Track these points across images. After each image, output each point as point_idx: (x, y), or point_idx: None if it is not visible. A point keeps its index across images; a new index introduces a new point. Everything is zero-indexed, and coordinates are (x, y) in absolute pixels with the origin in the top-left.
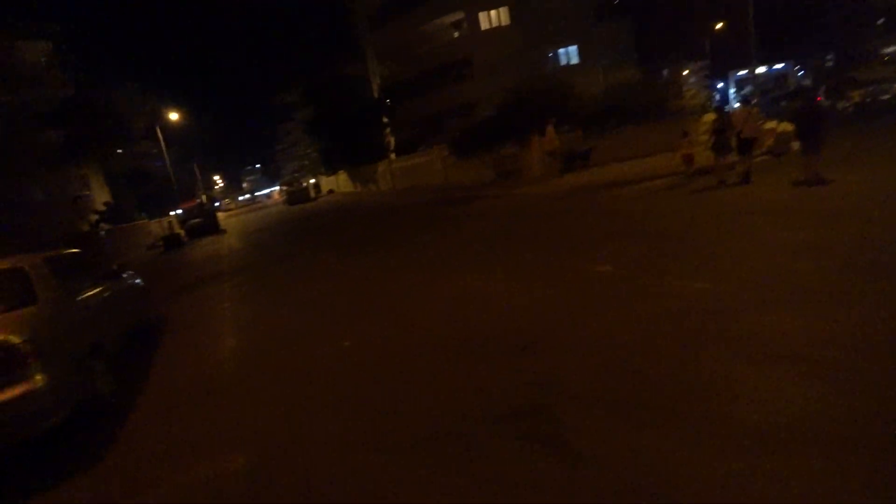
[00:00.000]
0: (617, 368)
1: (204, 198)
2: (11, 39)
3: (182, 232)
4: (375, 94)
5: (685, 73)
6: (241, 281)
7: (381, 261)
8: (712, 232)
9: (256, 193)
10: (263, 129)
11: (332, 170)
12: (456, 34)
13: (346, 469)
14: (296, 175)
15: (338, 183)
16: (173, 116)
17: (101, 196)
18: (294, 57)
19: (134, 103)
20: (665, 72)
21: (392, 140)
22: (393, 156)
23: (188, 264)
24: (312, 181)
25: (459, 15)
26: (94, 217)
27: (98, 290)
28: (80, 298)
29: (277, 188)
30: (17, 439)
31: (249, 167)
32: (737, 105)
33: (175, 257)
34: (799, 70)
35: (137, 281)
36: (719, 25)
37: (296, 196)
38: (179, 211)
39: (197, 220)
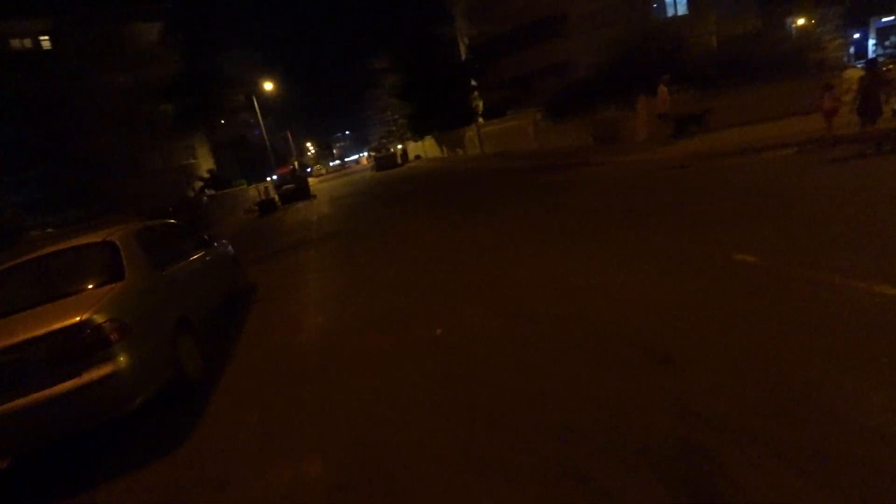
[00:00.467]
0: (787, 399)
1: (296, 164)
2: (130, 20)
3: (276, 197)
4: (463, 57)
5: (812, 21)
6: (330, 250)
7: (474, 233)
8: (884, 216)
9: (346, 159)
10: (353, 97)
11: (419, 135)
12: None
13: (447, 495)
14: (383, 141)
15: (424, 149)
16: (268, 87)
17: (206, 164)
18: (384, 22)
19: (235, 75)
20: (789, 21)
21: (480, 103)
22: (481, 120)
23: (280, 229)
24: (399, 147)
25: None
26: (199, 184)
27: (188, 262)
28: (168, 272)
29: (366, 153)
30: (99, 422)
31: (339, 133)
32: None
33: (268, 222)
34: None
35: (229, 249)
36: None
37: (383, 162)
38: (275, 177)
39: (290, 186)
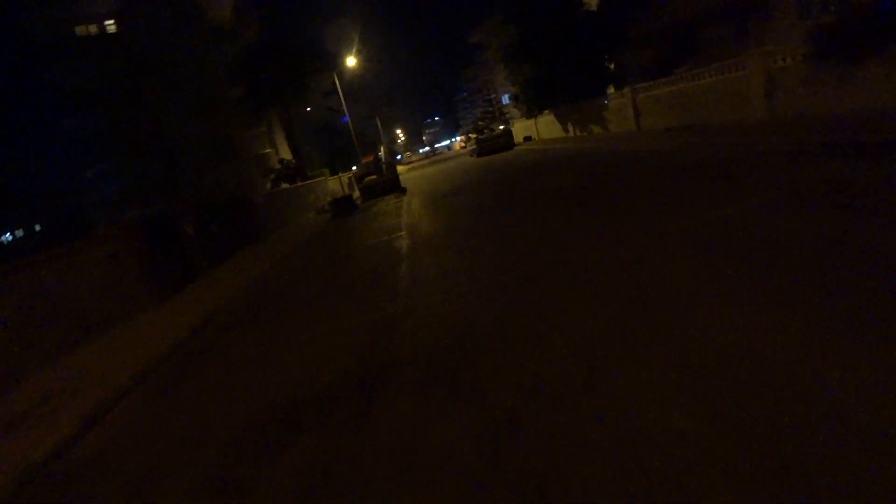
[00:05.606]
0: None
1: (382, 150)
2: None
3: (357, 192)
4: (594, 5)
5: None
6: (442, 370)
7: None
8: None
9: (436, 145)
10: (446, 77)
11: (537, 110)
12: None
13: None
14: (480, 124)
15: (537, 128)
16: (351, 63)
17: (285, 154)
18: None
19: (316, 53)
20: None
21: (611, 66)
22: (612, 88)
23: (343, 261)
24: (501, 127)
25: None
26: (272, 176)
27: None
28: None
29: (457, 139)
30: None
31: (429, 119)
32: None
33: (337, 234)
34: None
35: None
36: None
37: (488, 144)
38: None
39: (373, 178)
